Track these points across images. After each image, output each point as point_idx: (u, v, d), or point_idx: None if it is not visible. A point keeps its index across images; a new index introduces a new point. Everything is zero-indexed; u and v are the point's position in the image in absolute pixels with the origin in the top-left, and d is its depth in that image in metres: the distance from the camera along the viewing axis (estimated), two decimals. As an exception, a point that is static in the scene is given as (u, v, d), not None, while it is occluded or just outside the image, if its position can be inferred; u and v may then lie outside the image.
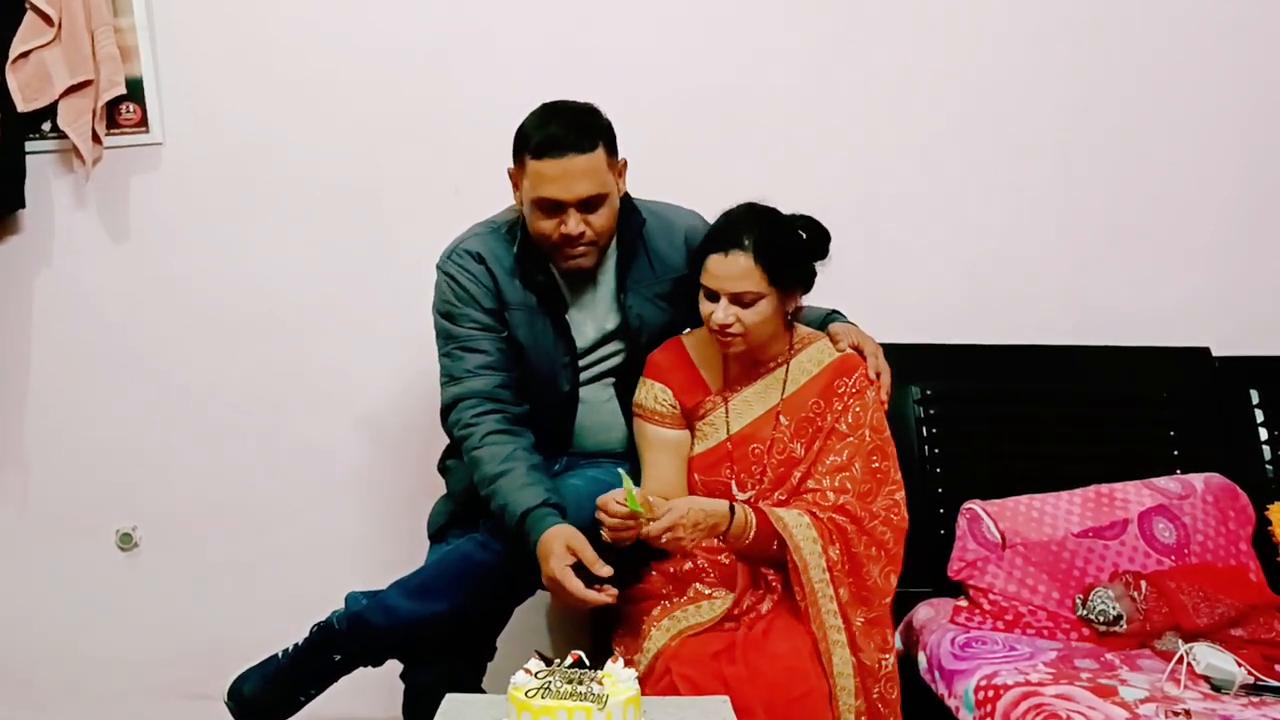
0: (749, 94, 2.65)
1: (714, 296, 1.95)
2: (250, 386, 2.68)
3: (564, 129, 1.97)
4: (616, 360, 2.16)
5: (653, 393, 2.08)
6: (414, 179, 2.65)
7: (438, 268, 2.13)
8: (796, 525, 1.93)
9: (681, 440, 2.08)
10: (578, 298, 2.13)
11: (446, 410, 2.08)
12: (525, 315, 2.09)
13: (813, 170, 2.65)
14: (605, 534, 1.86)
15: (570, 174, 1.95)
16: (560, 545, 1.86)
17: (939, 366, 2.52)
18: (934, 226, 2.70)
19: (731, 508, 1.91)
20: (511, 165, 2.05)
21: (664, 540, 1.85)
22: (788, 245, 1.97)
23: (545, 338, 2.10)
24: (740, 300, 1.93)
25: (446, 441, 2.30)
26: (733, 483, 2.05)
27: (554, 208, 1.98)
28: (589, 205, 1.99)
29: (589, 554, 1.85)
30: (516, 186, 2.06)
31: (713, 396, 2.07)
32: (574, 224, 1.98)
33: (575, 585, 1.84)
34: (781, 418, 2.03)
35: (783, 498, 2.02)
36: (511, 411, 2.05)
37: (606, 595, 1.85)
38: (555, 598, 1.90)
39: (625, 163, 2.09)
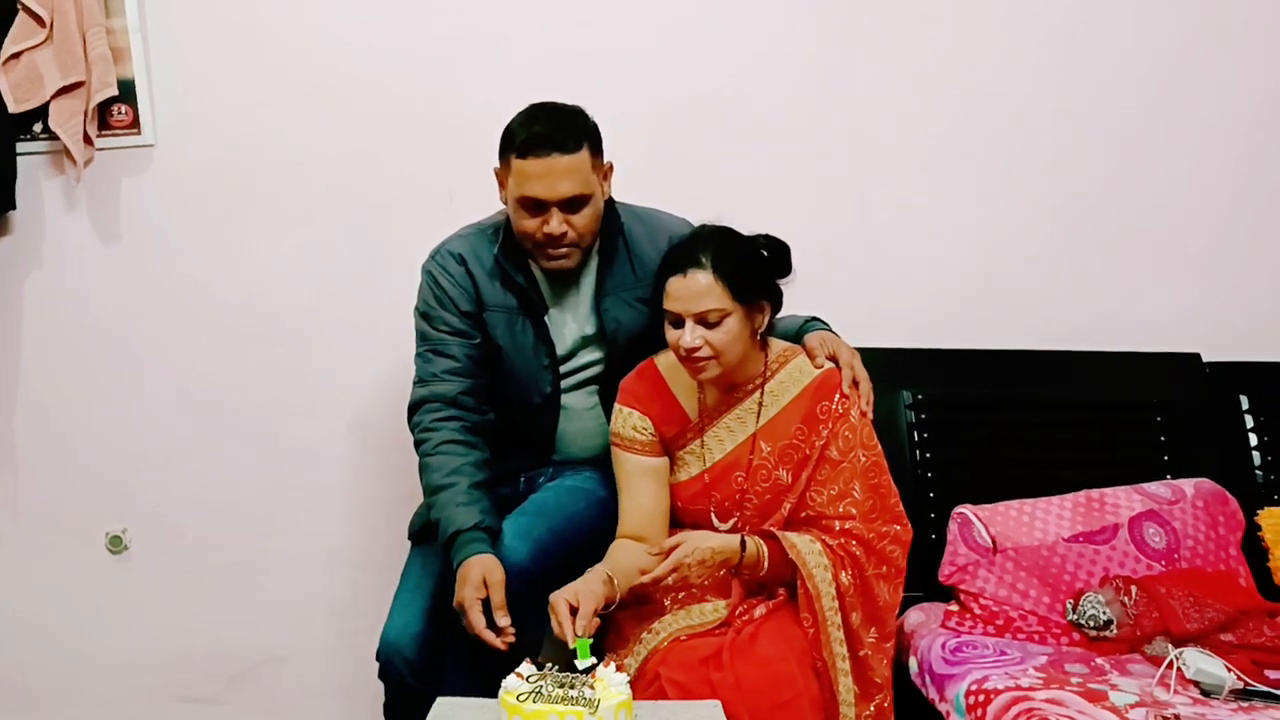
0: (747, 100, 2.65)
1: (678, 323, 1.92)
2: (242, 389, 2.67)
3: (549, 128, 1.98)
4: (598, 369, 2.16)
5: (631, 421, 2.05)
6: (408, 183, 2.64)
7: (421, 268, 2.16)
8: (809, 552, 1.92)
9: (661, 467, 2.07)
10: (558, 300, 2.14)
11: (412, 410, 2.10)
12: (504, 316, 2.10)
13: (809, 176, 2.66)
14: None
15: (554, 173, 1.96)
16: (478, 576, 1.86)
17: (931, 371, 2.52)
18: (928, 232, 2.70)
19: (743, 541, 1.91)
20: (498, 164, 2.06)
21: (670, 580, 1.85)
22: (746, 258, 1.94)
23: (525, 340, 2.11)
24: (705, 320, 1.89)
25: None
26: (712, 512, 2.04)
27: (537, 207, 1.99)
28: (572, 205, 2.00)
29: (497, 596, 1.85)
30: (502, 186, 2.07)
31: (692, 425, 2.05)
32: (556, 224, 1.99)
33: (476, 620, 1.84)
34: (761, 443, 2.01)
35: (773, 524, 2.00)
36: (472, 420, 2.06)
37: (500, 641, 1.84)
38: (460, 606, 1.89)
39: (611, 166, 2.10)
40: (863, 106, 2.68)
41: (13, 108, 2.53)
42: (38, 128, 2.58)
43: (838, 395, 1.99)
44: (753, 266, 1.95)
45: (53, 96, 2.52)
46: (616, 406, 2.07)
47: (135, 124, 2.61)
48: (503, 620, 1.85)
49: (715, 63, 2.64)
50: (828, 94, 2.68)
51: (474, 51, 2.62)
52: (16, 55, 2.52)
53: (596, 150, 2.03)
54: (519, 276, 2.09)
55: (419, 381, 2.11)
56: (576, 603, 1.79)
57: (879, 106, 2.68)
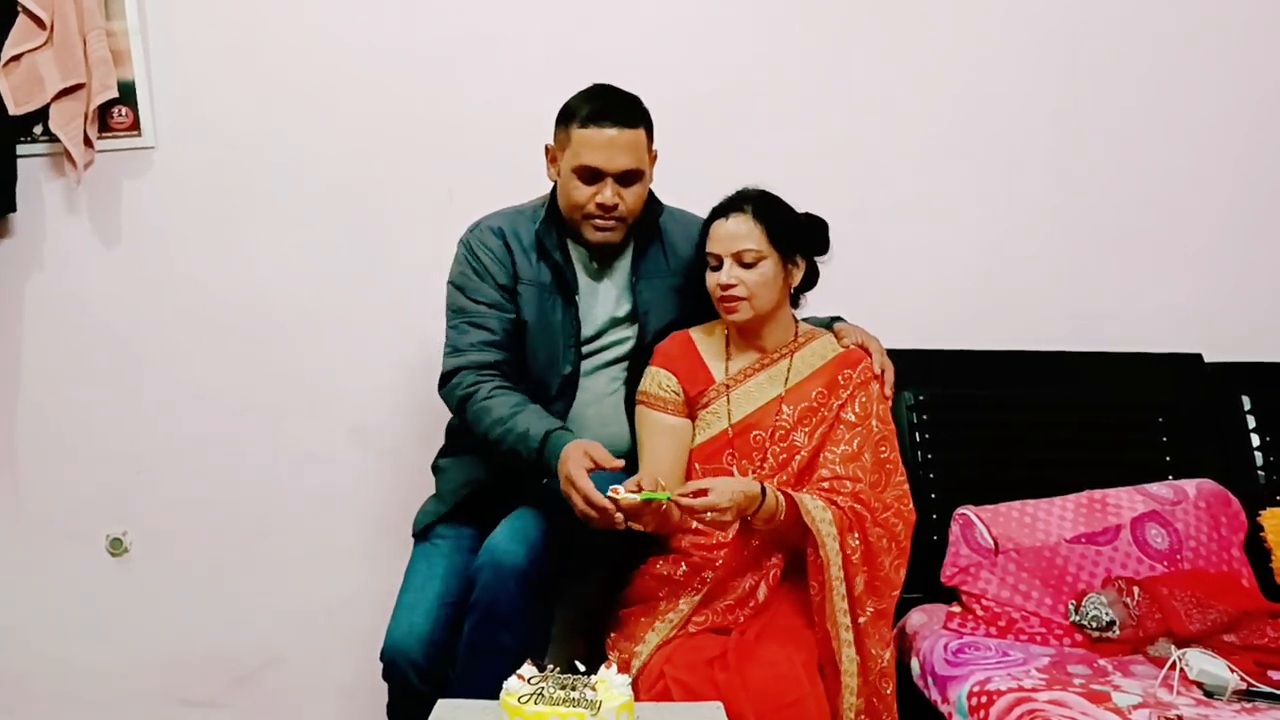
0: (746, 101, 2.66)
1: (718, 266, 2.04)
2: (242, 391, 2.67)
3: (611, 104, 2.07)
4: (624, 348, 2.18)
5: (657, 379, 2.11)
6: (408, 184, 2.64)
7: (459, 241, 2.19)
8: (822, 520, 1.94)
9: (682, 428, 2.10)
10: (592, 282, 2.18)
11: (447, 378, 2.11)
12: (536, 292, 2.13)
13: (808, 175, 2.62)
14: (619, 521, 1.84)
15: (614, 145, 2.04)
16: (578, 451, 1.89)
17: (932, 371, 2.52)
18: (928, 232, 2.70)
19: (763, 489, 1.92)
20: (551, 142, 2.13)
21: (708, 517, 1.85)
22: (786, 213, 2.07)
23: (553, 317, 2.13)
24: (742, 260, 2.01)
25: (440, 445, 2.30)
26: (733, 469, 2.07)
27: (593, 176, 2.06)
28: (625, 179, 2.07)
29: (604, 454, 1.87)
30: (553, 161, 2.13)
31: (716, 386, 2.11)
32: (610, 194, 2.06)
33: (586, 484, 1.84)
34: (785, 407, 2.07)
35: (784, 479, 2.03)
36: (512, 383, 2.09)
37: (614, 509, 1.82)
38: (573, 508, 1.87)
39: (656, 154, 2.16)
40: (862, 107, 2.68)
41: (13, 110, 2.52)
42: (38, 130, 2.58)
43: (861, 365, 2.09)
44: (791, 220, 2.07)
45: (53, 99, 2.52)
46: (647, 369, 2.13)
47: (135, 126, 2.61)
48: (614, 463, 1.86)
49: (714, 63, 2.65)
50: (827, 95, 2.68)
51: (473, 52, 2.62)
52: (17, 57, 2.51)
53: (650, 134, 2.11)
54: (557, 253, 2.14)
55: (453, 351, 2.11)
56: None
57: (879, 107, 2.69)
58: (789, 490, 1.98)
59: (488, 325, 2.10)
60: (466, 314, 2.12)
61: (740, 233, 2.03)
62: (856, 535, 1.96)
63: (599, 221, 2.09)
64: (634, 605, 2.05)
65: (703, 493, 1.85)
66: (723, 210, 2.07)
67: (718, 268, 2.04)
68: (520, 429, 1.97)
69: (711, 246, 2.05)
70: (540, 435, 1.95)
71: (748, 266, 2.02)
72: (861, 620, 1.95)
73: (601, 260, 2.18)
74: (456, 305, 2.15)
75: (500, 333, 2.10)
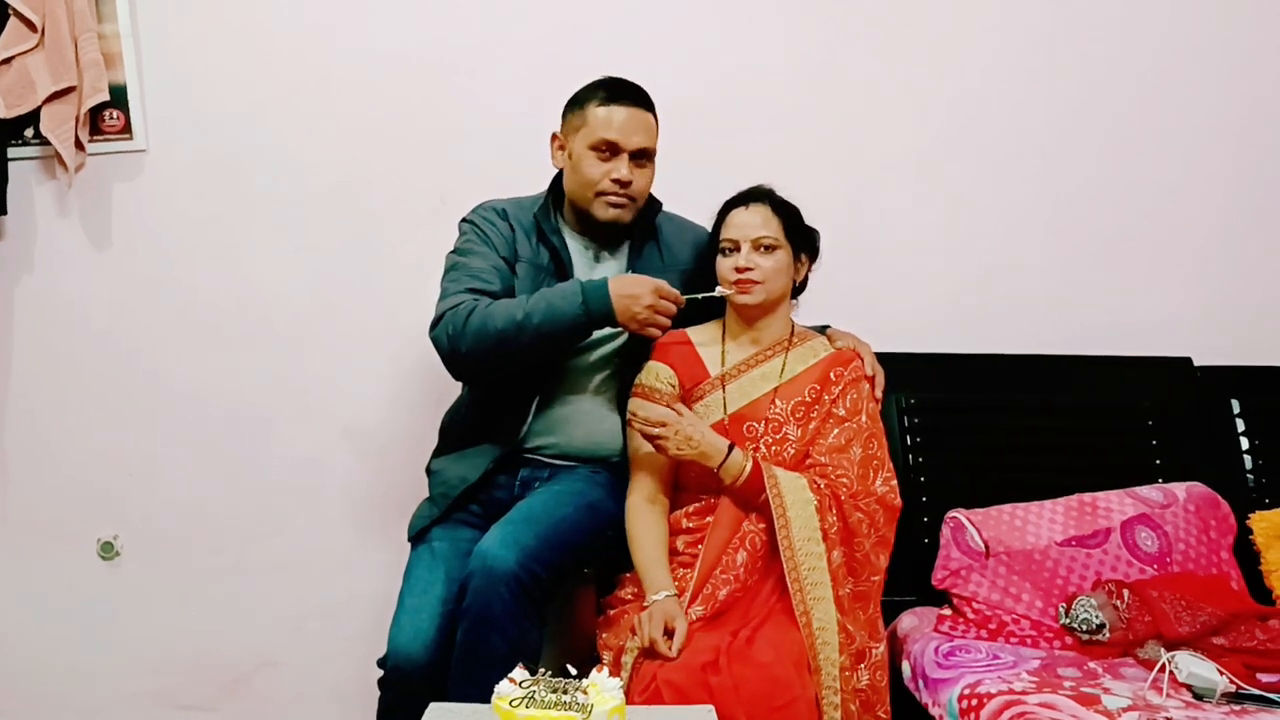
0: (738, 104, 2.67)
1: (732, 251, 2.11)
2: (235, 394, 2.66)
3: (627, 88, 2.15)
4: (617, 343, 2.19)
5: (654, 371, 2.16)
6: (400, 187, 2.64)
7: (461, 220, 2.22)
8: (791, 487, 2.00)
9: None
10: (588, 271, 2.19)
11: (439, 318, 2.08)
12: (533, 272, 2.16)
13: (801, 180, 2.63)
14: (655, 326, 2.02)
15: (633, 122, 2.12)
16: (632, 280, 2.04)
17: (923, 375, 2.52)
18: (920, 237, 2.71)
19: (731, 448, 2.03)
20: (557, 131, 2.16)
21: (650, 430, 2.02)
22: (797, 211, 2.17)
23: None
24: (759, 247, 2.10)
25: (433, 448, 2.30)
26: None
27: (611, 152, 2.11)
28: (640, 157, 2.14)
29: (662, 283, 2.02)
30: (561, 146, 2.17)
31: (711, 379, 2.15)
32: (626, 170, 2.12)
33: (670, 289, 2.01)
34: (778, 400, 2.12)
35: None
36: None
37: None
38: (647, 322, 2.02)
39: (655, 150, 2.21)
40: (856, 111, 2.69)
41: (4, 113, 2.52)
42: (29, 133, 2.58)
43: (853, 364, 2.16)
44: (801, 220, 2.17)
45: (44, 102, 2.52)
46: (647, 363, 2.17)
47: (127, 129, 2.60)
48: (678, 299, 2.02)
49: (707, 68, 2.65)
50: (821, 99, 2.69)
51: (467, 56, 2.63)
52: (8, 60, 2.52)
53: (657, 124, 2.18)
54: (555, 237, 2.17)
55: (446, 296, 2.10)
56: (673, 626, 1.90)
57: (872, 111, 2.70)
58: (764, 461, 2.04)
59: (486, 278, 2.11)
60: (467, 269, 2.13)
61: (760, 221, 2.11)
62: (834, 514, 2.02)
63: (613, 198, 2.13)
64: (625, 606, 2.05)
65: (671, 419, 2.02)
66: (742, 200, 2.15)
67: (733, 252, 2.11)
68: (550, 294, 2.03)
69: (728, 233, 2.12)
70: (575, 287, 2.02)
71: (764, 253, 2.09)
72: (841, 593, 1.99)
73: (599, 251, 2.20)
74: (454, 265, 2.16)
75: (500, 289, 2.11)
